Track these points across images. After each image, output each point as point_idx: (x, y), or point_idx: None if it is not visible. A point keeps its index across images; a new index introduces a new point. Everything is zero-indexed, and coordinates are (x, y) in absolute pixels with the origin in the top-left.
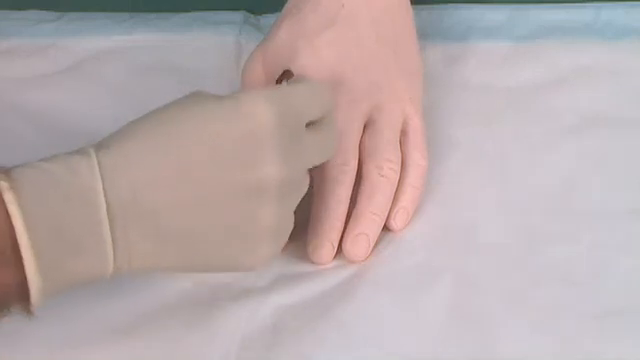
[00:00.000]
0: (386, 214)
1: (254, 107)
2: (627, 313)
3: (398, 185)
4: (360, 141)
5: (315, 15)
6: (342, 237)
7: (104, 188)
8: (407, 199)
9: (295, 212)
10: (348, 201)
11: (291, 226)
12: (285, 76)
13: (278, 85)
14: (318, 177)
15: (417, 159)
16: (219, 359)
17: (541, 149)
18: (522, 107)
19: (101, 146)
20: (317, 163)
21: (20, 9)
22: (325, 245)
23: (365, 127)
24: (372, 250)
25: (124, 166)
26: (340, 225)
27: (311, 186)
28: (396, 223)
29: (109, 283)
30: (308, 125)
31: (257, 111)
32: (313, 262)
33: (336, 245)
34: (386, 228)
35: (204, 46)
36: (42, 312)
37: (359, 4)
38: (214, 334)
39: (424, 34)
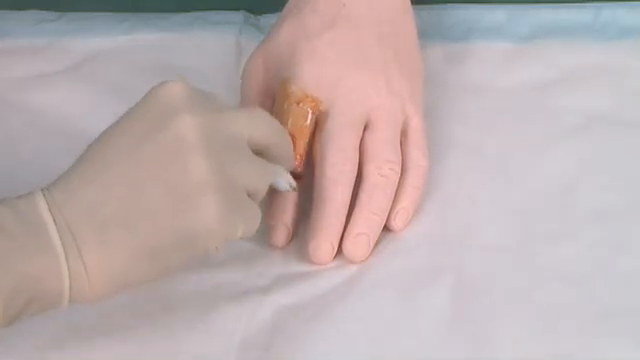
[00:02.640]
0: (386, 214)
1: (177, 119)
2: (627, 313)
3: (398, 185)
4: (360, 141)
5: (316, 15)
6: (342, 237)
7: (43, 194)
8: (407, 199)
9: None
10: (348, 201)
11: (238, 186)
12: None
13: None
14: (318, 177)
15: (418, 159)
16: (219, 359)
17: (541, 149)
18: (522, 107)
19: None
20: (249, 127)
21: (20, 9)
22: (325, 245)
23: (365, 127)
24: (372, 250)
25: (61, 182)
26: (340, 225)
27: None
28: (396, 223)
29: None
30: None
31: (180, 121)
32: (313, 262)
33: (336, 245)
34: (386, 228)
35: (204, 46)
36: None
37: (360, 4)
38: (214, 334)
39: (424, 34)
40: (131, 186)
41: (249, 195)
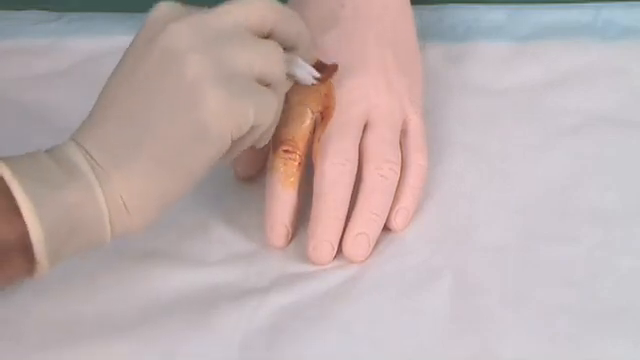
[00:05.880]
0: (386, 214)
1: (165, 28)
2: (627, 313)
3: (398, 185)
4: (360, 141)
5: (315, 15)
6: (342, 237)
7: (72, 138)
8: (407, 199)
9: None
10: (348, 201)
11: (241, 72)
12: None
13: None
14: (318, 177)
15: (417, 159)
16: (219, 359)
17: (541, 149)
18: (522, 107)
19: None
20: (242, 13)
21: (20, 9)
22: (324, 245)
23: (365, 127)
24: (372, 250)
25: (88, 125)
26: (340, 225)
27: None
28: (397, 223)
29: (109, 282)
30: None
31: (168, 29)
32: (313, 262)
33: (336, 245)
34: (386, 228)
35: None
36: (41, 312)
37: (359, 4)
38: (214, 334)
39: (424, 34)
40: (137, 107)
41: (262, 81)
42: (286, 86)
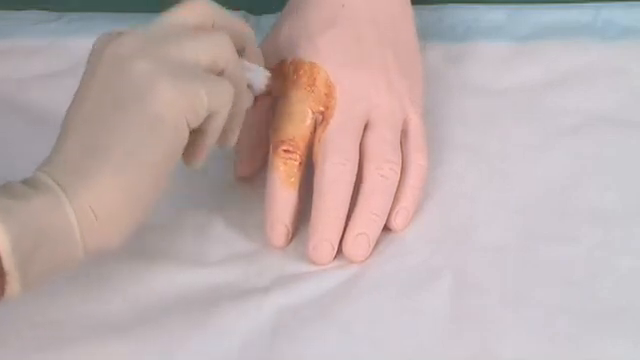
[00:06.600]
0: (386, 214)
1: (109, 43)
2: (627, 313)
3: (399, 185)
4: (361, 141)
5: (315, 15)
6: (342, 237)
7: (38, 169)
8: (408, 199)
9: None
10: (348, 201)
11: (188, 62)
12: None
13: None
14: (318, 177)
15: (417, 159)
16: (219, 359)
17: (541, 149)
18: (522, 107)
19: None
20: (205, 51)
21: (20, 9)
22: (324, 244)
23: (365, 127)
24: (372, 250)
25: (52, 154)
26: (340, 225)
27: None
28: (397, 223)
29: (108, 282)
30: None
31: (111, 42)
32: (313, 261)
33: (336, 245)
34: (387, 228)
35: None
36: (41, 312)
37: (359, 4)
38: (214, 334)
39: (424, 34)
40: (93, 119)
41: (213, 70)
42: (248, 100)
